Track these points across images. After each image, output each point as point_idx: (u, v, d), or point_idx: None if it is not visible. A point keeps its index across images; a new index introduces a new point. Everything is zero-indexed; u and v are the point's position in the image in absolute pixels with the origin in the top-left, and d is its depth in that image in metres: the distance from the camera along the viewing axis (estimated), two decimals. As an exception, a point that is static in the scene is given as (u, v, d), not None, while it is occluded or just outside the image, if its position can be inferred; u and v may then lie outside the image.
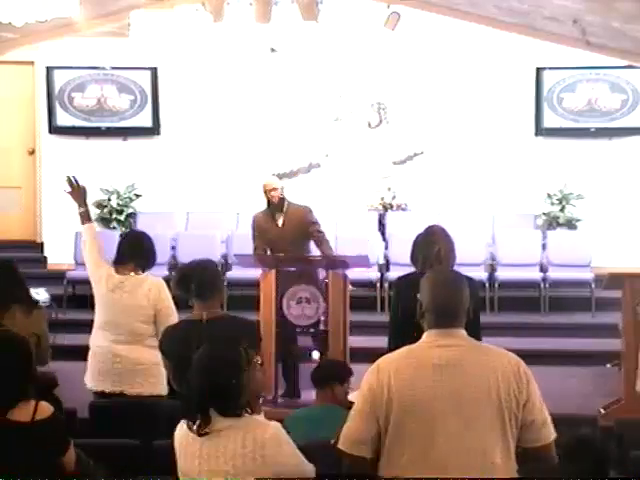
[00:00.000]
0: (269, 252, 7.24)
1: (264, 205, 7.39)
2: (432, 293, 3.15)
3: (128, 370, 5.14)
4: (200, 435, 3.15)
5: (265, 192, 7.32)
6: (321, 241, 7.29)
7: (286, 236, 7.16)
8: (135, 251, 5.27)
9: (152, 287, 5.14)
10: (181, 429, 3.26)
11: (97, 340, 5.28)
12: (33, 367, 3.62)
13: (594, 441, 3.38)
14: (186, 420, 3.22)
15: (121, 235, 5.95)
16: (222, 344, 3.33)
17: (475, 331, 4.31)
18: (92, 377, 5.26)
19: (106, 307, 5.22)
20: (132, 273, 5.20)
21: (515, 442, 3.02)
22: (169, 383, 4.64)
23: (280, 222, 7.26)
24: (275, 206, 7.26)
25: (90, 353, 5.31)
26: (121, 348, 5.15)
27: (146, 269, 5.27)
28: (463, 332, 3.13)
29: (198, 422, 3.16)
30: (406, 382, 3.03)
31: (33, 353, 3.65)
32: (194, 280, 4.28)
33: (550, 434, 3.06)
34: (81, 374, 5.33)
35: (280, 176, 10.32)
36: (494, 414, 2.98)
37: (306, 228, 7.25)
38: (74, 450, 3.58)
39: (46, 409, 3.49)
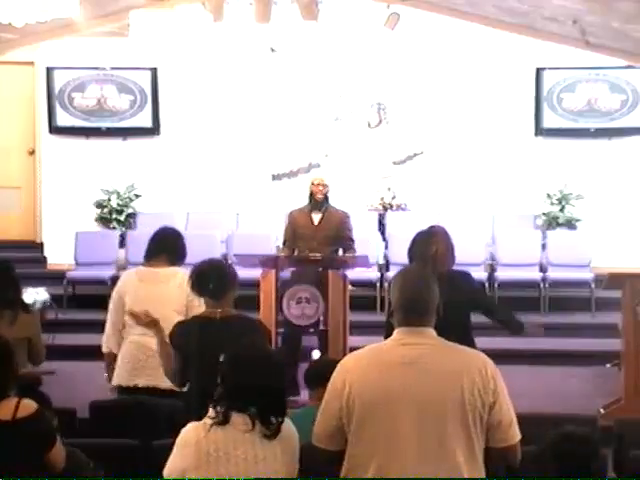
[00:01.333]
0: (297, 251, 7.16)
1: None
2: (400, 291, 3.12)
3: (159, 364, 5.12)
4: (267, 436, 3.18)
5: (311, 185, 7.29)
6: (348, 249, 7.22)
7: (318, 235, 7.12)
8: (166, 245, 5.33)
9: (185, 279, 5.12)
10: (214, 431, 3.19)
11: (128, 335, 5.27)
12: (14, 366, 3.59)
13: (578, 437, 3.39)
14: (248, 418, 3.19)
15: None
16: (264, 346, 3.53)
17: (501, 308, 4.44)
18: (125, 372, 5.23)
19: (136, 299, 5.19)
20: (164, 267, 5.25)
21: (481, 442, 2.99)
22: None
23: (317, 220, 7.22)
24: (316, 202, 7.22)
25: (122, 349, 5.28)
26: (152, 341, 5.13)
27: (176, 263, 5.31)
28: (431, 331, 3.09)
29: (263, 424, 3.18)
30: (370, 380, 3.01)
31: (14, 353, 3.60)
32: (212, 278, 4.33)
33: (516, 435, 3.04)
34: (81, 374, 5.31)
35: (280, 176, 10.33)
36: (457, 414, 2.95)
37: (341, 232, 7.21)
38: (62, 447, 3.55)
39: (29, 406, 3.46)
